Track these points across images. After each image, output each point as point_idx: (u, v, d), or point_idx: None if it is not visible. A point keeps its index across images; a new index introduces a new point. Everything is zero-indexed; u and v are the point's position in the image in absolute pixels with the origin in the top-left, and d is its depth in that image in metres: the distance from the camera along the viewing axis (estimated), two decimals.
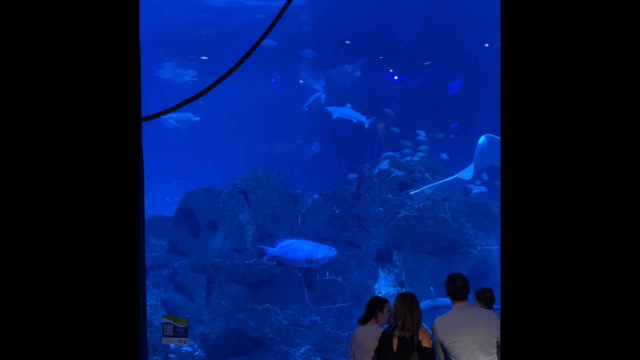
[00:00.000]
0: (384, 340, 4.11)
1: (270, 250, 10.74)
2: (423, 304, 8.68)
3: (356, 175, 13.02)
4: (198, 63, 19.38)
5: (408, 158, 13.34)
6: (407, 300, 4.09)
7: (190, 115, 20.16)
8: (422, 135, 14.48)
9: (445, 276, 11.41)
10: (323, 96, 18.96)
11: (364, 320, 4.56)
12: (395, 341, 4.01)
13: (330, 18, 15.65)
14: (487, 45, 17.37)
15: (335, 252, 10.68)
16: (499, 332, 3.98)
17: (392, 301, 4.36)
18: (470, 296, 4.47)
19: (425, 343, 3.96)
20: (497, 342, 4.01)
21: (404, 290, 10.89)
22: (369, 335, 4.36)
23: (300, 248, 10.65)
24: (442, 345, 4.08)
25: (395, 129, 15.19)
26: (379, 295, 10.71)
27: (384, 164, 12.39)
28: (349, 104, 16.61)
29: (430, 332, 4.20)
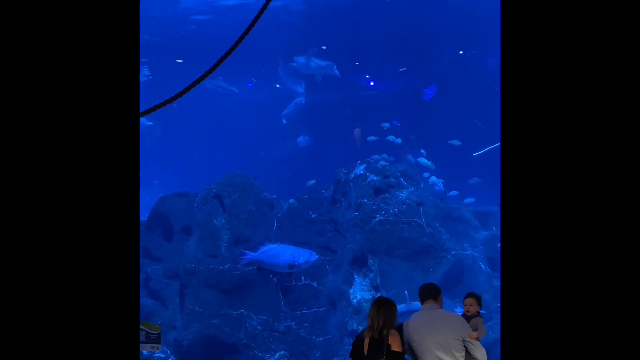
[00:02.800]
0: (357, 343, 4.10)
1: (251, 255, 10.66)
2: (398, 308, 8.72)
3: (315, 181, 13.10)
4: (150, 60, 18.80)
5: (385, 163, 13.49)
6: (378, 303, 4.12)
7: (143, 119, 19.85)
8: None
9: (419, 280, 11.58)
10: (303, 100, 18.98)
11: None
12: (366, 342, 4.00)
13: (306, 23, 15.70)
14: (461, 52, 17.68)
15: (317, 256, 10.69)
16: (464, 334, 4.07)
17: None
18: (452, 301, 4.50)
19: (395, 347, 3.93)
20: (462, 344, 4.06)
21: (378, 294, 10.94)
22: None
23: (282, 253, 10.60)
24: (408, 344, 4.13)
25: (397, 140, 15.20)
26: (354, 299, 10.76)
27: (360, 169, 12.45)
28: (220, 77, 16.78)
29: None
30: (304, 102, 18.96)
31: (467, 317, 4.66)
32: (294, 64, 17.11)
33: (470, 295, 4.94)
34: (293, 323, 11.14)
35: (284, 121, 19.34)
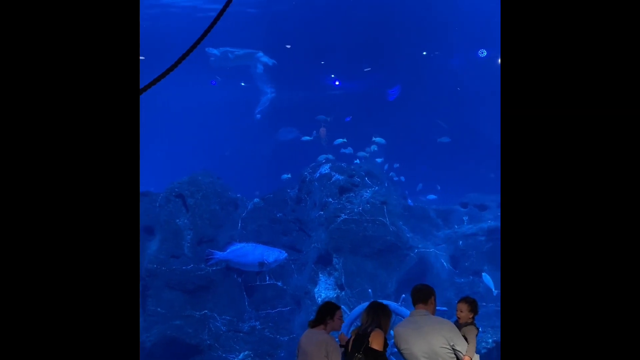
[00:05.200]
0: (347, 343, 4.13)
1: (219, 254, 10.52)
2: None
3: (290, 176, 13.04)
4: None
5: (358, 159, 13.61)
6: (370, 306, 4.16)
7: None
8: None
9: (383, 278, 11.65)
10: (271, 97, 18.89)
11: (314, 323, 4.39)
12: (351, 340, 4.03)
13: (270, 22, 15.62)
14: (425, 53, 17.96)
15: (286, 254, 10.64)
16: (452, 342, 3.83)
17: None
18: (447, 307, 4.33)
19: (376, 345, 3.90)
20: (452, 353, 3.82)
21: (342, 293, 11.00)
22: (313, 340, 4.23)
23: (252, 252, 10.50)
24: (399, 351, 4.02)
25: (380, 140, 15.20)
26: (319, 298, 10.78)
27: (325, 168, 12.48)
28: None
29: (392, 338, 4.13)
30: (274, 96, 18.86)
31: (459, 324, 4.28)
32: (211, 58, 16.90)
33: (461, 300, 4.45)
34: (257, 323, 11.08)
35: (258, 116, 19.18)
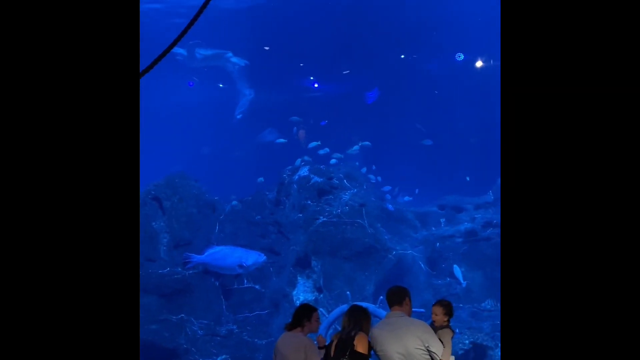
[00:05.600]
0: (328, 347, 4.12)
1: (196, 258, 10.38)
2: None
3: (263, 179, 13.00)
4: None
5: (334, 160, 13.62)
6: (351, 310, 4.16)
7: None
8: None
9: (361, 280, 11.67)
10: (250, 99, 18.78)
11: (291, 326, 4.37)
12: (334, 344, 4.02)
13: (249, 24, 15.55)
14: (403, 56, 18.10)
15: (265, 257, 10.58)
16: (427, 343, 3.85)
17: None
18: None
19: (361, 348, 3.89)
20: (427, 354, 3.83)
21: (321, 295, 10.99)
22: (291, 343, 4.22)
23: (230, 255, 10.41)
24: (376, 353, 4.02)
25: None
26: (298, 301, 10.75)
27: (304, 171, 12.46)
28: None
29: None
30: (253, 97, 18.75)
31: (434, 327, 4.25)
32: (178, 58, 16.75)
33: (436, 303, 4.42)
34: (235, 327, 10.99)
35: (239, 116, 19.03)
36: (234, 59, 16.57)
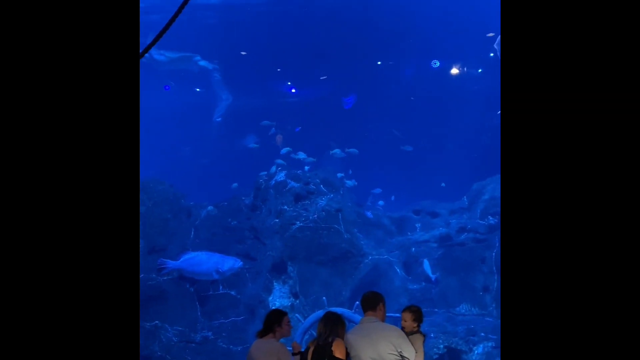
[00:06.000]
0: (304, 354, 4.13)
1: (171, 264, 10.23)
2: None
3: (237, 185, 12.93)
4: None
5: (307, 168, 13.61)
6: (326, 316, 4.16)
7: None
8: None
9: (338, 286, 11.67)
10: (227, 104, 18.65)
11: (262, 333, 4.34)
12: (310, 350, 4.03)
13: (226, 29, 15.49)
14: (379, 63, 18.27)
15: (241, 263, 10.51)
16: (400, 348, 3.90)
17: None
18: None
19: (339, 354, 3.92)
20: (397, 358, 3.87)
21: (297, 301, 10.97)
22: (264, 349, 4.20)
23: (206, 261, 10.29)
24: (350, 358, 4.05)
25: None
26: (273, 307, 10.70)
27: (280, 176, 12.44)
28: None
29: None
30: (230, 102, 18.63)
31: (405, 333, 4.25)
32: (143, 60, 16.66)
33: (405, 309, 4.47)
34: (210, 333, 10.88)
35: (218, 119, 18.88)
36: (202, 62, 16.41)
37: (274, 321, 4.33)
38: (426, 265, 11.63)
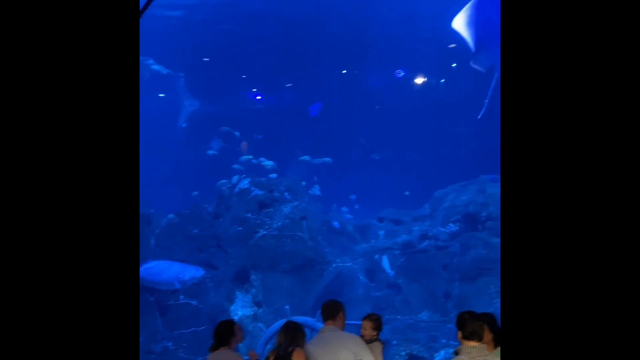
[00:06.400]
0: None
1: None
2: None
3: (197, 193, 12.79)
4: None
5: (274, 175, 13.56)
6: (286, 326, 4.12)
7: None
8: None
9: (301, 294, 11.62)
10: (192, 110, 18.41)
11: (215, 347, 4.24)
12: None
13: (189, 34, 15.31)
14: (344, 72, 18.41)
15: (203, 272, 10.34)
16: (359, 356, 3.89)
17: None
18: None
19: None
20: None
21: (260, 310, 10.87)
22: None
23: (167, 269, 10.08)
24: None
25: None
26: (236, 316, 10.57)
27: (244, 183, 12.34)
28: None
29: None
30: (195, 108, 18.40)
31: (364, 340, 4.24)
32: None
33: (365, 317, 4.46)
34: (170, 343, 10.63)
35: (184, 125, 18.59)
36: (155, 67, 16.13)
37: (227, 333, 4.28)
38: (385, 261, 11.81)
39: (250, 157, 14.34)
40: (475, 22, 6.61)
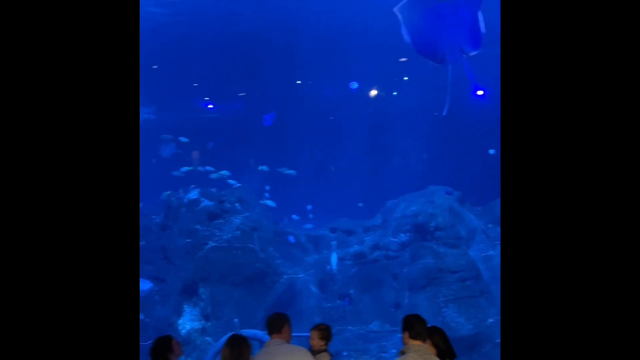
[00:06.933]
0: None
1: None
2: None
3: (143, 204, 12.49)
4: None
5: (233, 181, 13.36)
6: (232, 340, 4.01)
7: None
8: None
9: (251, 307, 11.43)
10: (142, 118, 17.93)
11: None
12: None
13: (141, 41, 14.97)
14: (299, 82, 18.46)
15: (150, 285, 10.03)
16: None
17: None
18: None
19: None
20: None
21: (208, 324, 10.62)
22: None
23: None
24: None
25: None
26: (184, 330, 10.29)
27: (194, 194, 12.09)
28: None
29: None
30: (145, 117, 17.94)
31: (312, 351, 4.27)
32: None
33: (313, 327, 4.44)
34: None
35: None
36: None
37: (164, 349, 4.11)
38: (334, 258, 11.88)
39: (202, 166, 14.08)
40: (419, 12, 6.63)
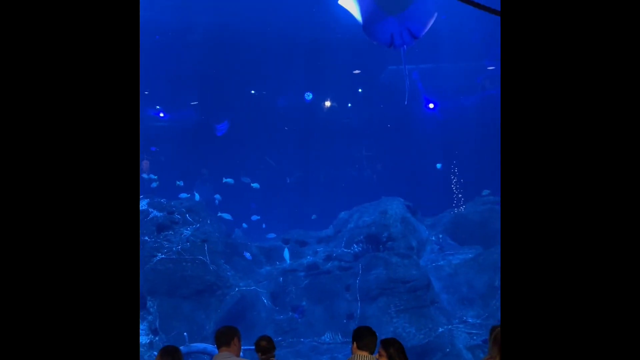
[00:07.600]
0: None
1: None
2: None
3: None
4: None
5: (185, 194, 13.07)
6: (164, 350, 3.99)
7: None
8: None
9: (201, 320, 11.17)
10: None
11: None
12: None
13: None
14: (253, 92, 18.36)
15: None
16: None
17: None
18: None
19: None
20: None
21: (157, 338, 10.28)
22: None
23: None
24: None
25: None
26: None
27: (142, 204, 11.74)
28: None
29: None
30: None
31: None
32: None
33: (258, 339, 4.55)
34: None
35: None
36: None
37: None
38: (286, 253, 12.13)
39: (152, 176, 13.73)
40: None
